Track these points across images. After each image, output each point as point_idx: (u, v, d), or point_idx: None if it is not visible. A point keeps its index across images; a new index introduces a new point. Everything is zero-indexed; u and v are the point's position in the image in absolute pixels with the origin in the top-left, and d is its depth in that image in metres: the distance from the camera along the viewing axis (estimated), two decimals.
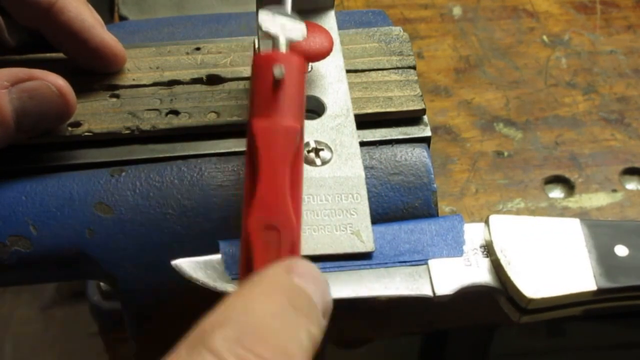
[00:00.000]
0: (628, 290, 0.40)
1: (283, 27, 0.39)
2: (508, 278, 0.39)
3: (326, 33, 0.44)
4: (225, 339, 0.25)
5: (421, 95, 0.46)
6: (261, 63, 0.37)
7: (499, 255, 0.40)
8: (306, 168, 0.41)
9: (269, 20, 0.39)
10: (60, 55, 0.46)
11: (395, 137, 0.45)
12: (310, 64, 0.45)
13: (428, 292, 0.39)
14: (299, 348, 0.27)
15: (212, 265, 0.38)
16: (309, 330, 0.28)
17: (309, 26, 0.44)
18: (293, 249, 0.34)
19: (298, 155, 0.36)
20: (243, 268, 0.34)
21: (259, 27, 0.40)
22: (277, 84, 0.36)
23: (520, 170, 0.53)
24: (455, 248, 0.40)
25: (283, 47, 0.38)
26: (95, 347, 0.89)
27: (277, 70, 0.36)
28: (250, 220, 0.33)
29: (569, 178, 0.53)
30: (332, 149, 0.42)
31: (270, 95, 0.36)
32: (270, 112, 0.35)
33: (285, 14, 0.40)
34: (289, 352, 0.26)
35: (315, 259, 0.37)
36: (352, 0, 0.63)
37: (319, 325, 0.29)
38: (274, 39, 0.39)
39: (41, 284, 0.99)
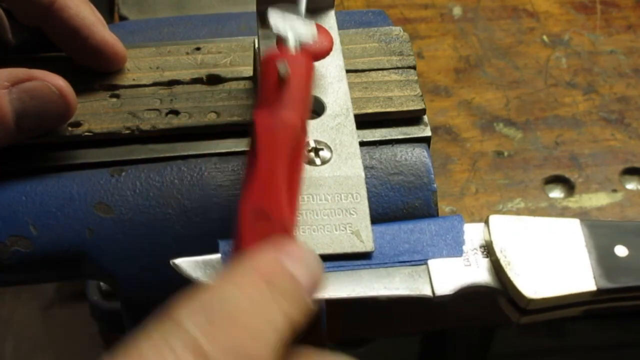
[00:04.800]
0: (628, 290, 0.40)
1: (292, 26, 0.39)
2: (508, 278, 0.39)
3: (326, 33, 0.44)
4: (191, 313, 0.25)
5: (421, 95, 0.46)
6: (268, 60, 0.38)
7: (499, 255, 0.40)
8: (306, 168, 0.41)
9: (278, 18, 0.39)
10: (61, 54, 0.46)
11: (395, 137, 0.45)
12: None
13: (428, 292, 0.39)
14: (270, 329, 0.26)
15: (212, 265, 0.38)
16: (286, 311, 0.26)
17: None
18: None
19: (298, 151, 0.36)
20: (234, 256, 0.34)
21: (261, 25, 0.40)
22: (282, 80, 0.36)
23: (520, 170, 0.53)
24: (455, 248, 0.40)
25: (291, 46, 0.39)
26: (95, 347, 0.89)
27: (282, 67, 0.36)
28: (242, 208, 0.33)
29: (569, 178, 0.53)
30: (332, 148, 0.42)
31: (275, 91, 0.36)
32: (273, 106, 0.36)
33: (296, 14, 0.40)
34: (257, 332, 0.25)
35: None
36: (352, 0, 0.63)
37: (302, 306, 0.27)
38: (283, 37, 0.39)
39: (41, 284, 0.99)
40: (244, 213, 0.32)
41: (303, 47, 0.40)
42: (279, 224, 0.32)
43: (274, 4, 0.40)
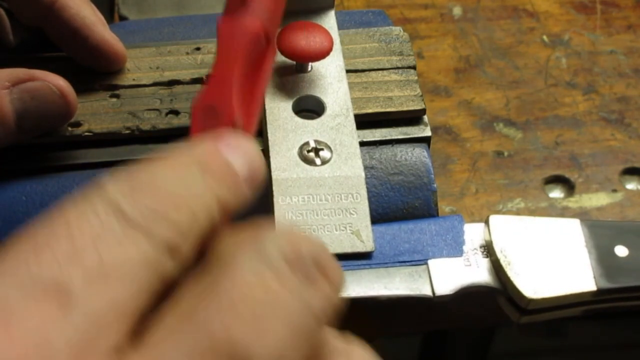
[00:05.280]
0: (628, 290, 0.40)
1: None
2: (508, 278, 0.39)
3: (326, 33, 0.44)
4: (117, 182, 0.24)
5: (421, 95, 0.46)
6: None
7: (499, 255, 0.40)
8: (306, 168, 0.41)
9: None
10: (61, 54, 0.46)
11: (395, 137, 0.45)
12: (310, 64, 0.45)
13: (428, 292, 0.39)
14: (196, 202, 0.25)
15: None
16: (216, 192, 0.26)
17: (309, 26, 0.44)
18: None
19: (262, 60, 0.36)
20: None
21: None
22: None
23: (520, 170, 0.53)
24: (455, 248, 0.40)
25: None
26: None
27: None
28: (193, 106, 0.33)
29: (569, 178, 0.53)
30: (332, 148, 0.42)
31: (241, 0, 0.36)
32: (236, 14, 0.36)
33: None
34: (181, 201, 0.25)
35: None
36: (352, 0, 0.63)
37: (237, 193, 0.27)
38: None
39: None
40: (194, 111, 0.32)
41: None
42: (227, 119, 0.32)
43: None
